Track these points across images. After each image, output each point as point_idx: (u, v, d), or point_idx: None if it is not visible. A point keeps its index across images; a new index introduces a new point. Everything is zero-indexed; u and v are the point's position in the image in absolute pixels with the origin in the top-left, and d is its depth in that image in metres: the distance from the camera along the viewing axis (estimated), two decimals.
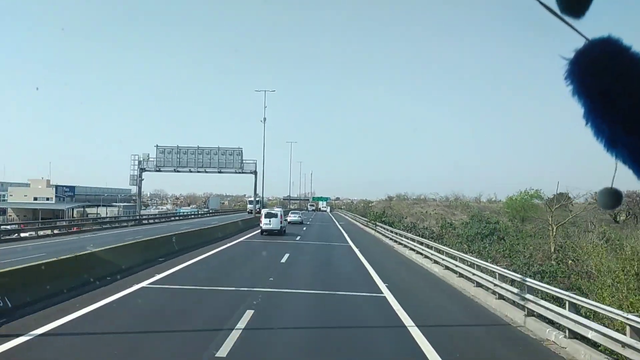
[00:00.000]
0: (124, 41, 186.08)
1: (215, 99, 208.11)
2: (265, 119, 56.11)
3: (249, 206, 68.52)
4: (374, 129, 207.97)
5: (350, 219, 74.55)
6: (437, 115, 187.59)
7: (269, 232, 31.58)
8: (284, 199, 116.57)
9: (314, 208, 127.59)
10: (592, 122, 0.86)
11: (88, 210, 64.87)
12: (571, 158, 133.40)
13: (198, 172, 50.07)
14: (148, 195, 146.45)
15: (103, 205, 67.58)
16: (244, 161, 50.08)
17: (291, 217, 46.66)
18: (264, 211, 34.28)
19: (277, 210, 34.87)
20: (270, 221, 31.78)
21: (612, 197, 0.94)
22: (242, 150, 49.99)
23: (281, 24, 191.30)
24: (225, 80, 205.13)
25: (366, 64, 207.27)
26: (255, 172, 50.75)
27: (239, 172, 50.40)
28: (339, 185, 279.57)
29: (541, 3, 0.88)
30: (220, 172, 50.19)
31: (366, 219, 47.75)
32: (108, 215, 55.46)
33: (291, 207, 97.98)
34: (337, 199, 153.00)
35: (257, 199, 54.67)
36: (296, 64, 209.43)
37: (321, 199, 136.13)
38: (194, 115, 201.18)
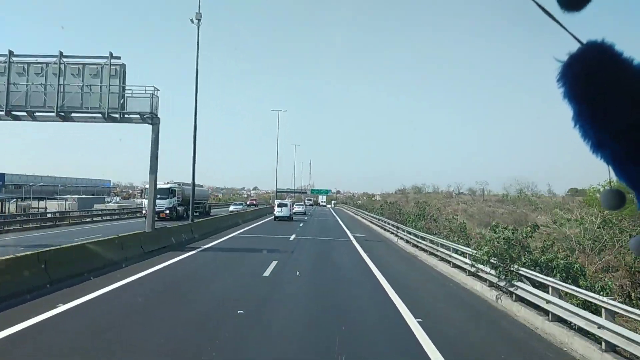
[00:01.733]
0: None
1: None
2: (200, 14, 26.62)
3: (143, 201, 32.02)
4: (374, 121, 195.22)
5: (368, 223, 43.99)
6: (441, 108, 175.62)
7: (280, 219, 40.75)
8: (277, 192, 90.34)
9: (311, 202, 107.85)
10: (580, 126, 0.86)
11: (33, 203, 53.79)
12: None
13: (9, 118, 19.65)
14: (143, 187, 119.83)
15: (50, 199, 55.64)
16: (127, 92, 19.80)
17: (296, 209, 55.23)
18: (276, 202, 47.14)
19: (287, 202, 47.53)
20: (281, 210, 42.03)
21: (616, 198, 0.91)
22: (124, 68, 19.75)
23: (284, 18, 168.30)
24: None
25: (364, 59, 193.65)
26: (152, 117, 19.53)
27: (114, 119, 19.27)
28: (338, 179, 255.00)
29: (537, 4, 0.86)
30: (64, 117, 19.30)
31: (447, 247, 15.44)
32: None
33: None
34: (338, 192, 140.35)
35: (172, 186, 24.79)
36: (293, 58, 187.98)
37: (321, 191, 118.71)
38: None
